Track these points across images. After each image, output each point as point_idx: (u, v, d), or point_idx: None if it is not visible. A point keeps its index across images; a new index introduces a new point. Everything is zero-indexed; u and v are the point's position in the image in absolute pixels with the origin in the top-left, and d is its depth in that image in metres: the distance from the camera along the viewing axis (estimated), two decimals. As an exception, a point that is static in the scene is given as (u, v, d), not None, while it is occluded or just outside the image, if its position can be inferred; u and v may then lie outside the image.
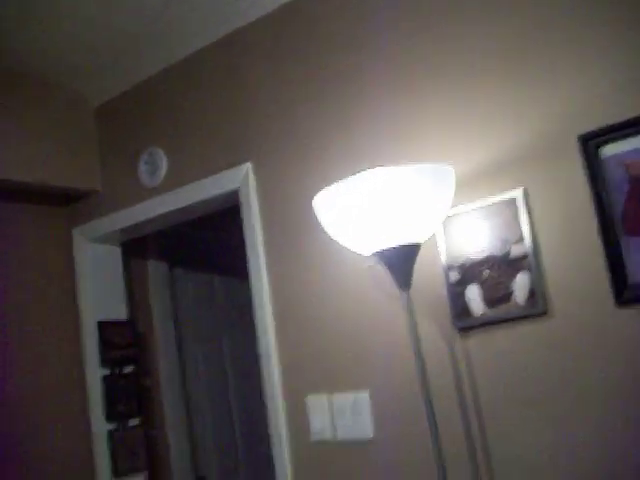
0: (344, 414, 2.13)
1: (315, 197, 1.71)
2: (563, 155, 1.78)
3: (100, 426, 2.86)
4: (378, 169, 1.58)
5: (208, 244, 3.66)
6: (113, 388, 2.90)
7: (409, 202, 1.60)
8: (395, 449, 2.03)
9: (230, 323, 3.68)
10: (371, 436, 2.07)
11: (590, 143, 1.73)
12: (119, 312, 3.04)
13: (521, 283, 1.82)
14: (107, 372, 2.92)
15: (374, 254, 1.70)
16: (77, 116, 2.93)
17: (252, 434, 3.63)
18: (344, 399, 2.14)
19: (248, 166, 2.39)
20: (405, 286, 1.69)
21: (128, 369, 3.00)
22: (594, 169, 1.72)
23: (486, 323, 1.87)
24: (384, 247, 1.67)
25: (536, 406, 1.78)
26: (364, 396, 2.09)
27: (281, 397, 2.28)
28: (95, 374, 2.89)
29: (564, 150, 1.77)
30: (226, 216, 3.37)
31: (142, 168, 2.74)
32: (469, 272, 1.90)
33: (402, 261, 1.68)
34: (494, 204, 1.87)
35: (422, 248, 2.00)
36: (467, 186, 1.92)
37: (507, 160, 1.86)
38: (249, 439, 3.61)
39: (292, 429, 2.26)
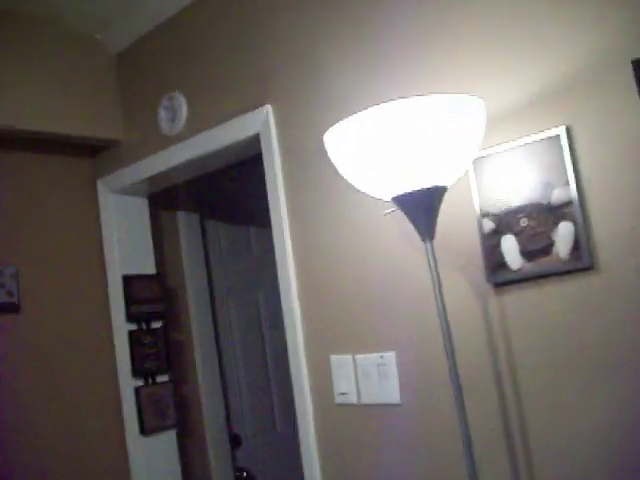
0: (369, 376, 1.97)
1: (326, 133, 1.51)
2: (613, 85, 1.53)
3: (127, 383, 2.78)
4: (396, 100, 1.38)
5: (243, 194, 3.51)
6: (140, 343, 2.81)
7: (430, 138, 1.39)
8: (423, 414, 1.86)
9: (266, 276, 3.54)
10: (398, 401, 1.91)
11: (647, 69, 1.48)
12: (147, 266, 2.93)
13: (564, 233, 1.60)
14: (134, 327, 2.82)
15: (393, 199, 1.51)
16: (97, 65, 2.80)
17: (288, 392, 3.51)
18: (370, 360, 1.97)
19: (268, 109, 2.21)
20: (429, 236, 1.50)
21: (156, 324, 2.90)
22: (651, 99, 1.47)
23: (524, 278, 1.66)
24: (404, 191, 1.47)
25: (576, 369, 1.58)
26: (390, 356, 1.92)
27: (304, 356, 2.13)
28: (121, 329, 2.81)
29: (614, 79, 1.52)
30: (258, 164, 3.21)
31: (162, 115, 2.59)
32: (505, 221, 1.69)
33: (425, 207, 1.48)
34: (534, 143, 1.64)
35: (452, 194, 1.79)
36: (503, 123, 1.69)
37: (549, 93, 1.62)
38: (285, 397, 3.50)
39: (316, 390, 2.12)
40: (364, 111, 1.41)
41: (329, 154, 1.54)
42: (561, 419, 1.61)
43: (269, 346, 3.47)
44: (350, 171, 1.50)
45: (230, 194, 3.45)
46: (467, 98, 1.43)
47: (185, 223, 3.19)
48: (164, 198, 3.12)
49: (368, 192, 1.55)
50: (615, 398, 1.53)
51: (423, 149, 1.40)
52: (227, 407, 3.22)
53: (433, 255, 1.49)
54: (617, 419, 1.52)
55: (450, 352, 1.48)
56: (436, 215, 1.50)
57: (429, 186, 1.47)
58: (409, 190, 1.47)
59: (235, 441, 3.23)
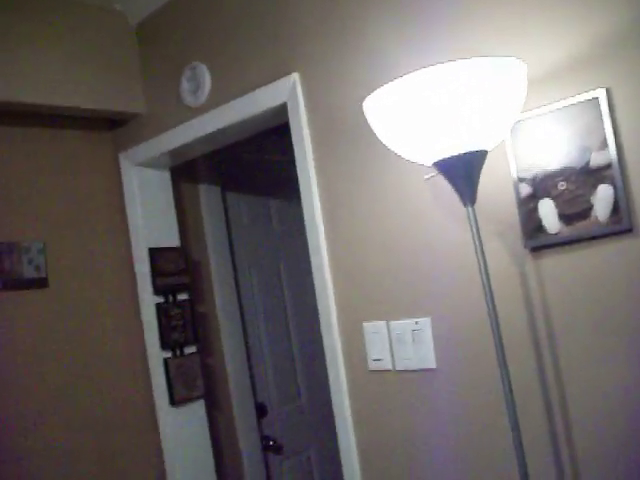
0: (404, 343, 1.98)
1: (366, 98, 1.51)
2: (655, 45, 1.51)
3: (156, 354, 2.81)
4: (437, 64, 1.37)
5: (264, 166, 3.51)
6: (167, 316, 2.82)
7: (473, 101, 1.39)
8: (460, 381, 1.87)
9: (288, 248, 3.55)
10: (434, 366, 1.92)
11: (689, 29, 1.47)
12: (171, 238, 2.94)
13: (603, 197, 1.59)
14: (160, 300, 2.84)
15: (434, 164, 1.51)
16: (117, 36, 2.77)
17: (312, 361, 3.55)
18: (404, 326, 1.98)
19: (295, 77, 2.19)
20: (470, 200, 1.50)
21: (182, 296, 2.92)
22: (694, 59, 1.46)
23: (562, 242, 1.66)
24: (446, 155, 1.47)
25: (618, 336, 1.58)
26: (425, 321, 1.93)
27: (336, 324, 2.14)
28: (149, 302, 2.82)
29: (657, 39, 1.51)
30: (282, 135, 3.20)
31: (185, 86, 2.57)
32: (542, 185, 1.68)
33: (467, 171, 1.48)
34: (572, 106, 1.63)
35: (488, 159, 1.78)
36: (541, 86, 1.67)
37: (588, 55, 1.61)
38: (309, 366, 3.53)
39: (349, 358, 2.13)
40: (405, 76, 1.40)
41: (369, 119, 1.54)
42: (598, 381, 1.62)
43: (291, 318, 3.49)
44: (391, 137, 1.50)
45: (251, 166, 3.44)
46: (508, 61, 1.41)
47: (207, 196, 3.19)
48: (185, 171, 3.12)
49: (409, 157, 1.55)
50: (657, 359, 1.54)
51: (464, 113, 1.40)
52: (252, 377, 3.25)
53: (475, 219, 1.49)
54: (659, 380, 1.53)
55: (494, 320, 1.48)
56: (477, 179, 1.50)
57: (470, 150, 1.46)
58: (450, 155, 1.47)
59: (261, 410, 3.26)
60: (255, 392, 3.26)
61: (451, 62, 1.37)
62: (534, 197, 1.70)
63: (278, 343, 3.40)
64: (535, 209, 1.70)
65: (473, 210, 1.50)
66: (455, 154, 1.46)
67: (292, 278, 3.53)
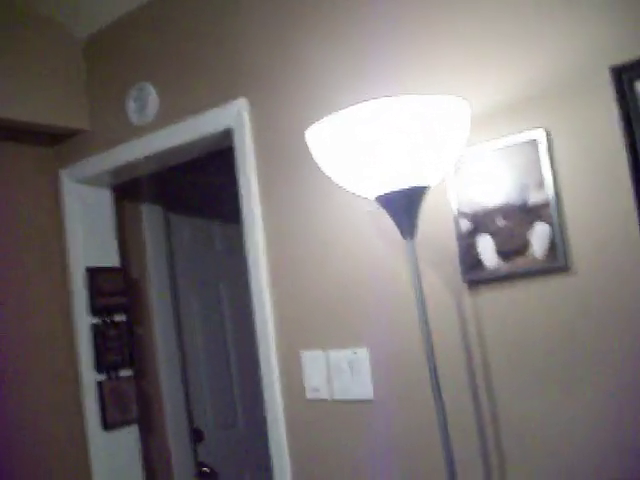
0: (342, 372, 1.98)
1: (308, 129, 1.51)
2: (591, 90, 1.56)
3: (89, 377, 2.73)
4: (382, 99, 1.38)
5: (206, 188, 3.47)
6: (103, 337, 2.76)
7: (415, 137, 1.40)
8: (396, 412, 1.87)
9: (228, 270, 3.52)
10: (371, 397, 1.92)
11: (624, 76, 1.52)
12: (110, 258, 2.88)
13: (540, 234, 1.63)
14: (97, 321, 2.77)
15: (377, 199, 1.51)
16: (62, 50, 2.72)
17: (250, 386, 3.51)
18: (342, 356, 1.98)
19: (243, 102, 2.19)
20: (410, 235, 1.51)
21: (119, 317, 2.86)
22: (628, 105, 1.51)
23: (499, 278, 1.69)
24: (387, 190, 1.48)
25: (551, 371, 1.61)
26: (363, 352, 1.93)
27: (275, 351, 2.12)
28: (84, 322, 2.75)
29: (593, 84, 1.55)
30: (225, 158, 3.18)
31: (131, 105, 2.54)
32: (482, 221, 1.71)
33: (407, 206, 1.49)
34: (512, 145, 1.66)
35: (430, 192, 1.80)
36: (482, 124, 1.71)
37: (528, 96, 1.65)
38: (247, 391, 3.49)
39: (286, 386, 2.11)
40: (348, 108, 1.41)
41: (312, 151, 1.54)
42: (532, 417, 1.64)
43: (231, 342, 3.45)
44: (333, 169, 1.50)
45: (193, 187, 3.41)
46: (452, 99, 1.44)
47: (149, 216, 3.14)
48: (128, 190, 3.07)
49: (351, 190, 1.55)
50: (586, 398, 1.56)
51: (406, 149, 1.41)
52: (188, 402, 3.19)
53: (414, 253, 1.50)
54: (595, 422, 1.56)
55: (430, 350, 1.49)
56: (418, 214, 1.52)
57: (412, 186, 1.48)
58: (391, 189, 1.48)
59: (197, 436, 3.20)
60: (191, 417, 3.20)
61: (394, 97, 1.39)
62: (474, 232, 1.72)
63: (216, 367, 3.35)
64: (474, 244, 1.72)
65: (413, 243, 1.51)
66: (396, 189, 1.47)
67: (233, 301, 3.50)
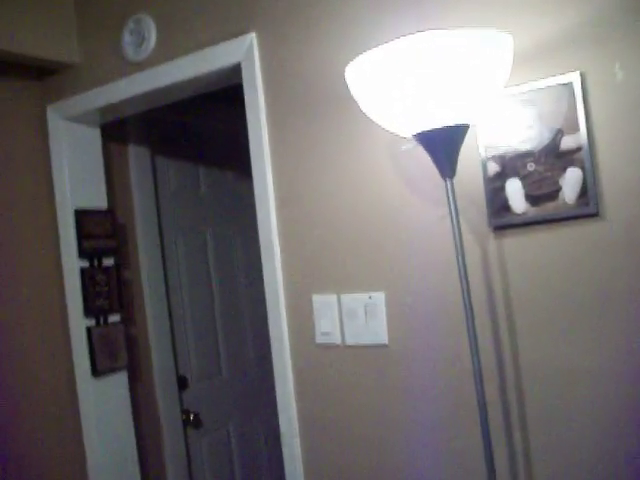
0: (355, 317, 1.95)
1: (348, 66, 1.45)
2: (629, 33, 1.53)
3: (78, 322, 2.65)
4: (427, 32, 1.33)
5: (193, 131, 3.37)
6: (92, 281, 2.67)
7: (460, 73, 1.35)
8: (413, 357, 1.86)
9: (216, 215, 3.44)
10: (385, 342, 1.90)
11: (667, 18, 1.49)
12: (99, 200, 2.77)
13: (572, 179, 1.60)
14: (85, 264, 2.68)
15: (415, 136, 1.47)
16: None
17: (235, 333, 3.47)
18: (356, 300, 1.94)
19: (252, 36, 2.09)
20: (450, 174, 1.47)
21: (108, 262, 2.77)
22: (672, 48, 1.48)
23: (527, 222, 1.66)
24: (428, 127, 1.43)
25: (576, 317, 1.61)
26: (379, 296, 1.90)
27: (283, 295, 2.08)
28: (73, 266, 2.66)
29: (631, 27, 1.52)
30: (215, 101, 3.08)
31: (127, 39, 2.42)
32: (511, 164, 1.68)
33: (448, 145, 1.45)
34: (545, 88, 1.62)
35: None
36: (515, 66, 1.66)
37: (563, 38, 1.61)
38: (231, 339, 3.45)
39: (295, 330, 2.08)
40: (391, 42, 1.35)
41: (350, 86, 1.48)
42: (555, 362, 1.64)
43: (216, 288, 3.39)
44: (373, 105, 1.45)
45: (180, 130, 3.30)
46: (496, 34, 1.39)
47: (136, 158, 3.03)
48: (113, 130, 2.94)
49: (389, 128, 1.50)
50: (612, 346, 1.57)
51: (451, 85, 1.37)
52: (174, 349, 3.14)
53: (453, 193, 1.47)
54: (615, 367, 1.57)
55: (467, 296, 1.47)
56: (458, 154, 1.48)
57: (453, 124, 1.43)
58: (433, 127, 1.43)
59: (182, 384, 3.16)
60: (176, 364, 3.15)
61: (440, 31, 1.33)
62: (502, 176, 1.69)
63: (201, 314, 3.30)
64: (502, 188, 1.69)
65: (452, 184, 1.47)
66: (438, 127, 1.43)
67: (219, 247, 3.43)
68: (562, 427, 1.64)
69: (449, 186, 1.47)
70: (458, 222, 1.48)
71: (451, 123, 1.43)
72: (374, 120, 1.52)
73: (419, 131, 1.45)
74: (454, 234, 1.47)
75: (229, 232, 3.49)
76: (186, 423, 3.14)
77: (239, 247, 3.55)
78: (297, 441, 2.08)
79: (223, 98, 2.89)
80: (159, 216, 3.13)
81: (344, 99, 1.90)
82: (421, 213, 1.82)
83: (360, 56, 1.41)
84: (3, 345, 2.51)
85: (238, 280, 3.53)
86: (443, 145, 1.45)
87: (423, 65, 1.34)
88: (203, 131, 3.41)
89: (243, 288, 3.55)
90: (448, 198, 1.47)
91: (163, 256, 3.13)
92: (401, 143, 1.82)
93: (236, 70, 2.16)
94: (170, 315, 3.12)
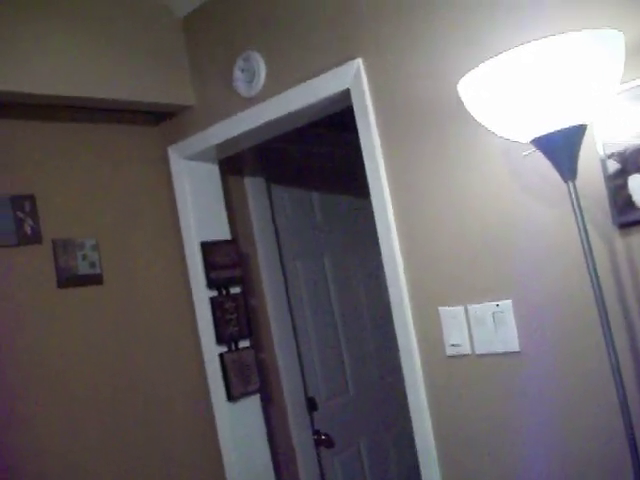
0: (484, 326, 1.95)
1: (462, 79, 1.48)
2: None
3: (211, 349, 2.78)
4: (540, 40, 1.34)
5: (306, 159, 3.48)
6: (221, 310, 2.80)
7: (573, 75, 1.37)
8: (547, 363, 1.84)
9: (331, 240, 3.52)
10: (517, 348, 1.89)
11: None
12: (222, 232, 2.91)
13: (699, 169, 1.56)
14: (214, 294, 2.82)
15: (533, 141, 1.48)
16: (163, 28, 2.74)
17: (359, 352, 3.52)
18: (483, 309, 1.95)
19: (359, 62, 2.16)
20: (571, 176, 1.47)
21: (235, 290, 2.90)
22: None
23: (655, 217, 1.63)
24: (545, 131, 1.44)
25: None
26: (506, 303, 1.90)
27: (409, 309, 2.11)
28: (203, 296, 2.80)
29: None
30: (326, 128, 3.18)
31: (238, 76, 2.55)
32: (632, 160, 1.65)
33: (567, 147, 1.46)
34: (664, 79, 1.60)
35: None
36: (630, 59, 1.64)
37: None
38: (356, 358, 3.50)
39: (423, 343, 2.10)
40: (503, 53, 1.38)
41: (464, 99, 1.51)
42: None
43: (337, 309, 3.47)
44: (488, 115, 1.47)
45: (293, 159, 3.41)
46: (607, 32, 1.39)
47: (253, 188, 3.16)
48: (230, 163, 3.09)
49: (506, 135, 1.52)
50: None
51: (565, 88, 1.38)
52: (302, 371, 3.22)
53: (576, 195, 1.47)
54: None
55: (600, 296, 1.45)
56: (578, 154, 1.48)
57: (570, 125, 1.44)
58: (550, 130, 1.44)
59: (311, 405, 3.23)
60: (305, 386, 3.23)
61: (549, 37, 1.35)
62: (623, 173, 1.66)
63: (325, 335, 3.37)
64: (625, 185, 1.67)
65: (574, 185, 1.47)
66: (556, 129, 1.44)
67: (336, 270, 3.51)
68: None
69: (571, 188, 1.47)
70: (584, 223, 1.47)
71: (569, 125, 1.43)
72: (490, 129, 1.54)
73: (537, 135, 1.46)
74: (580, 235, 1.47)
75: (346, 255, 3.56)
76: (318, 443, 3.20)
77: (358, 268, 3.61)
78: (434, 456, 2.09)
79: (328, 124, 2.97)
80: (278, 243, 3.24)
81: (456, 113, 1.93)
82: (541, 217, 1.82)
83: (475, 68, 1.45)
84: (141, 377, 2.66)
85: (358, 299, 3.59)
86: (563, 147, 1.46)
87: (539, 71, 1.36)
88: (314, 157, 3.51)
89: (363, 307, 3.60)
90: (572, 200, 1.47)
91: (285, 282, 3.23)
92: (516, 149, 1.82)
93: (345, 96, 2.24)
94: (296, 338, 3.22)
